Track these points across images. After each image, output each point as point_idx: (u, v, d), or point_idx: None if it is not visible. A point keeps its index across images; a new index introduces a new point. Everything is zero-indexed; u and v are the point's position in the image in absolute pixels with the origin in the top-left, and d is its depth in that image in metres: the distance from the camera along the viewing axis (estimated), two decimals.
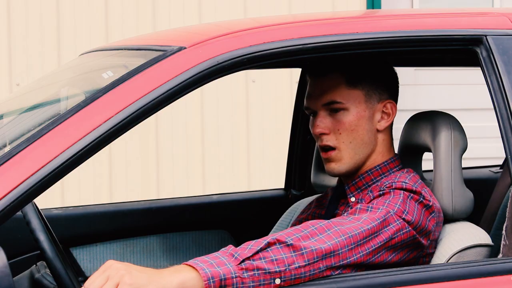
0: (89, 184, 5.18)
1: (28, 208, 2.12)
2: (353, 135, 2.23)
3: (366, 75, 2.26)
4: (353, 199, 2.27)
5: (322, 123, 2.23)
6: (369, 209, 2.06)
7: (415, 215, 2.08)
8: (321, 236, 1.93)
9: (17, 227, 2.46)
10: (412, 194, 2.12)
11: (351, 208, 2.16)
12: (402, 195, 2.10)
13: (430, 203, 2.14)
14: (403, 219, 2.05)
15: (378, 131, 2.27)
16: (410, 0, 5.92)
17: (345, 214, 2.09)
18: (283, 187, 3.24)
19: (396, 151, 2.36)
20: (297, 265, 1.86)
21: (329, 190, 2.47)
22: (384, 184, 2.18)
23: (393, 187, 2.13)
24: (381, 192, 2.13)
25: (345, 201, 2.31)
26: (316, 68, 2.27)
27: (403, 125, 2.42)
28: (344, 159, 2.24)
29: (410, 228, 2.06)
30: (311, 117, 2.30)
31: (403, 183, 2.14)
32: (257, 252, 1.84)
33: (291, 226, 2.49)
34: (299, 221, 2.44)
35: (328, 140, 2.23)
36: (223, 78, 2.02)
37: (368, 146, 2.26)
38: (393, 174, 2.26)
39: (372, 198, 2.15)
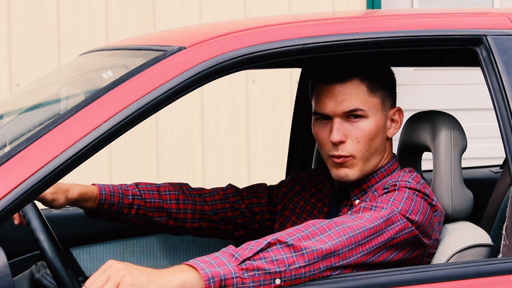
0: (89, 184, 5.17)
1: (28, 208, 2.12)
2: (370, 143, 2.21)
3: (383, 82, 2.25)
4: (357, 201, 2.26)
5: (340, 130, 2.20)
6: (373, 208, 2.06)
7: (420, 214, 2.08)
8: (321, 236, 1.93)
9: (17, 227, 2.46)
10: (417, 193, 2.12)
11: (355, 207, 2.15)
12: (407, 193, 2.10)
13: (434, 202, 2.14)
14: (407, 218, 2.05)
15: (387, 138, 2.27)
16: (410, 0, 5.92)
17: (349, 213, 2.08)
18: None
19: (394, 151, 2.36)
20: (297, 265, 1.86)
21: (321, 171, 2.46)
22: (388, 183, 2.17)
23: (397, 185, 2.13)
24: (385, 190, 2.13)
25: (347, 203, 2.30)
26: (334, 73, 2.23)
27: (403, 125, 2.42)
28: (358, 165, 2.22)
29: (413, 227, 2.06)
30: (318, 123, 2.26)
31: (407, 182, 2.14)
32: (257, 252, 1.84)
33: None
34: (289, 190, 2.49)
35: (345, 149, 2.20)
36: (223, 78, 2.01)
37: (380, 153, 2.25)
38: (396, 173, 2.26)
39: (377, 196, 2.15)
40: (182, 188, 2.53)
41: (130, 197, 2.47)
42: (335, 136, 2.20)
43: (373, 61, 2.27)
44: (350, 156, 2.21)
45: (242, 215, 2.54)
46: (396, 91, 2.32)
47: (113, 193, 2.45)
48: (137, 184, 2.51)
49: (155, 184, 2.52)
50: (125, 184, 2.50)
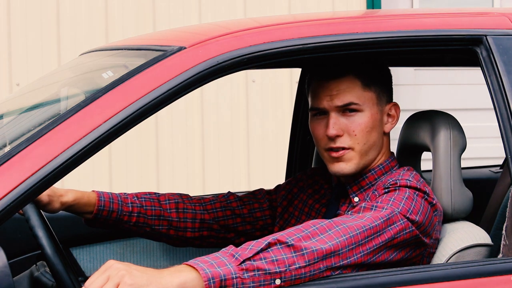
0: (89, 184, 5.18)
1: (28, 206, 2.11)
2: (367, 137, 2.23)
3: (377, 78, 2.27)
4: (356, 199, 2.26)
5: (336, 125, 2.22)
6: (374, 207, 2.06)
7: (420, 214, 2.08)
8: (322, 236, 1.93)
9: (17, 227, 2.46)
10: (417, 192, 2.12)
11: (356, 207, 2.16)
12: (408, 192, 2.11)
13: (434, 201, 2.14)
14: (407, 218, 2.05)
15: (384, 133, 2.28)
16: (410, 0, 5.92)
17: (349, 213, 2.09)
18: None
19: (394, 151, 2.36)
20: (297, 265, 1.86)
21: (318, 171, 2.46)
22: (388, 182, 2.18)
23: (398, 184, 2.14)
24: (386, 190, 2.13)
25: (345, 201, 2.30)
26: (329, 70, 2.26)
27: (402, 125, 2.42)
28: (355, 159, 2.23)
29: (413, 227, 2.06)
30: (314, 119, 2.28)
31: (408, 181, 2.14)
32: (257, 253, 1.84)
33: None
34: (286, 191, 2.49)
35: (342, 142, 2.22)
36: (223, 78, 2.02)
37: (377, 148, 2.26)
38: (395, 172, 2.26)
39: (377, 196, 2.15)
40: (182, 197, 2.53)
41: (130, 204, 2.45)
42: (331, 130, 2.22)
43: (367, 58, 2.28)
44: (348, 149, 2.22)
45: (244, 221, 2.53)
46: (393, 87, 2.33)
47: (112, 199, 2.44)
48: (136, 193, 2.50)
49: (155, 193, 2.52)
50: (124, 193, 2.49)
